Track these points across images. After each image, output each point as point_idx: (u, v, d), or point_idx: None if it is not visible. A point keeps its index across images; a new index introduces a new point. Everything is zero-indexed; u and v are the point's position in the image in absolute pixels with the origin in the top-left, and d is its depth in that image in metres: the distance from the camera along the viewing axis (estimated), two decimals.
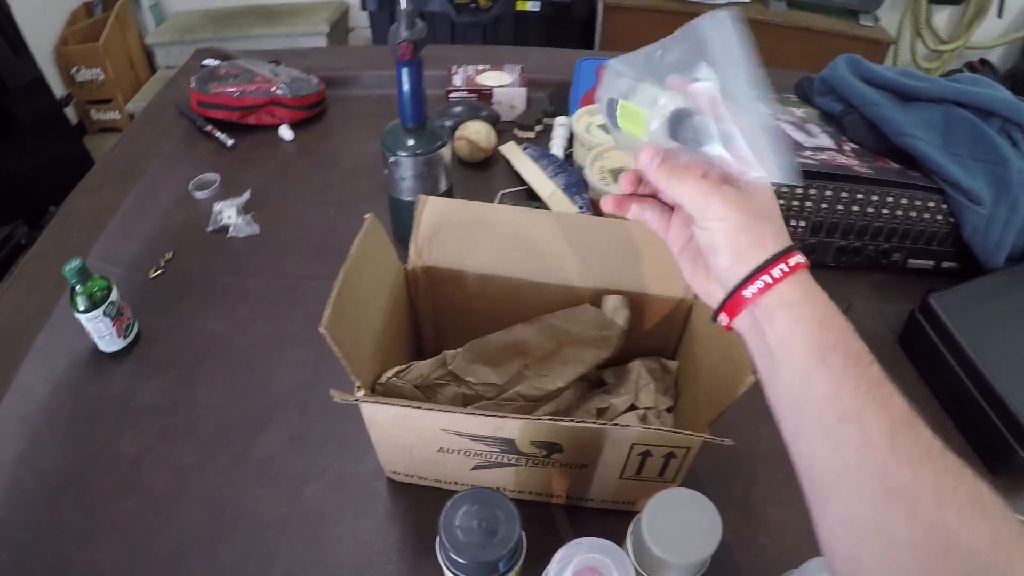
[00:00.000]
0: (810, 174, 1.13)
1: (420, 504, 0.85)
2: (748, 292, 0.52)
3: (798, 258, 0.53)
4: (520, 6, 3.01)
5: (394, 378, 0.78)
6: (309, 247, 1.21)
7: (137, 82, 3.42)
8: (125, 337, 1.00)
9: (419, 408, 0.70)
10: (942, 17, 3.41)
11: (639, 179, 0.63)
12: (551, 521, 0.83)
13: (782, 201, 1.13)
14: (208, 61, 1.59)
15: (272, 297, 1.11)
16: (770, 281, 0.52)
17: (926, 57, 3.44)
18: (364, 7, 3.13)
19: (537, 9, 3.01)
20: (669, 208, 0.62)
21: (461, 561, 0.63)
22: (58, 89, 3.02)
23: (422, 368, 0.81)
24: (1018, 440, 0.89)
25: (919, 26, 3.32)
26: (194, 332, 1.05)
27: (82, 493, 0.85)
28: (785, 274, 0.52)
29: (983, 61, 3.44)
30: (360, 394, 0.70)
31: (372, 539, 0.82)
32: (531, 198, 1.28)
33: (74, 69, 3.14)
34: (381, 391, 0.77)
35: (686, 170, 0.55)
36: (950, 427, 0.99)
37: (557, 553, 0.67)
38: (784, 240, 0.54)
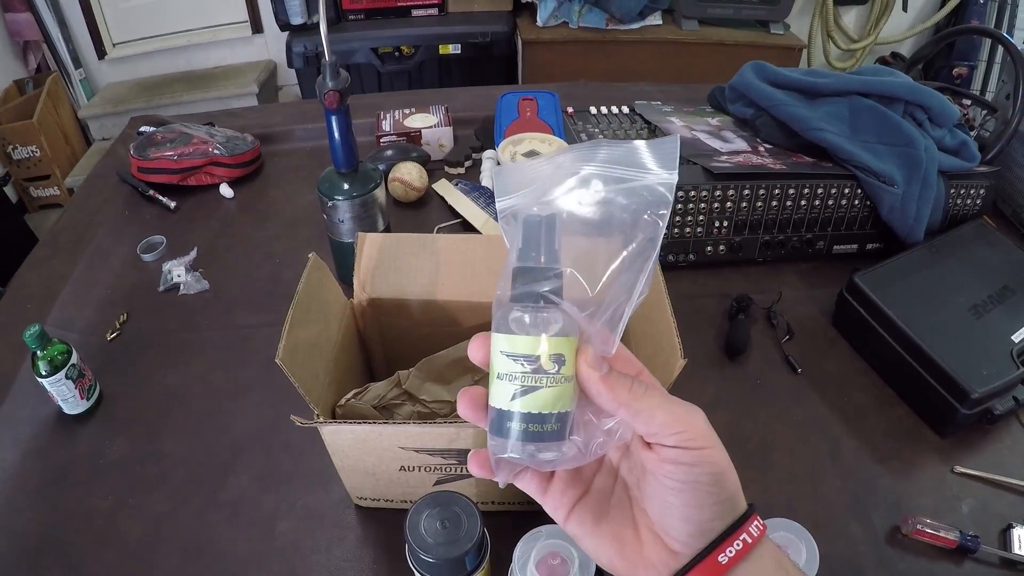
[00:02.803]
0: (728, 176, 1.18)
1: (389, 525, 0.88)
2: (724, 557, 0.41)
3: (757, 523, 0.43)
4: (443, 50, 3.08)
5: (353, 399, 0.82)
6: (258, 297, 1.24)
7: (73, 156, 3.41)
8: (88, 398, 1.02)
9: (375, 425, 0.74)
10: (850, 17, 3.54)
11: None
12: (516, 527, 0.84)
13: (703, 205, 1.19)
14: (144, 128, 1.63)
15: (227, 348, 1.14)
16: (749, 541, 0.41)
17: (839, 57, 3.54)
18: (291, 65, 3.17)
19: (459, 51, 3.09)
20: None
21: (430, 560, 0.67)
22: None
23: (378, 389, 0.85)
24: (956, 398, 0.94)
25: (829, 28, 3.43)
26: (155, 388, 1.08)
27: (61, 551, 0.87)
28: (762, 531, 0.42)
29: (894, 55, 3.56)
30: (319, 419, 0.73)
31: (347, 565, 0.85)
32: (466, 230, 1.33)
33: (10, 147, 3.13)
34: (341, 414, 0.81)
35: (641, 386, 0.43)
36: (892, 397, 1.04)
37: (519, 542, 0.71)
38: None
